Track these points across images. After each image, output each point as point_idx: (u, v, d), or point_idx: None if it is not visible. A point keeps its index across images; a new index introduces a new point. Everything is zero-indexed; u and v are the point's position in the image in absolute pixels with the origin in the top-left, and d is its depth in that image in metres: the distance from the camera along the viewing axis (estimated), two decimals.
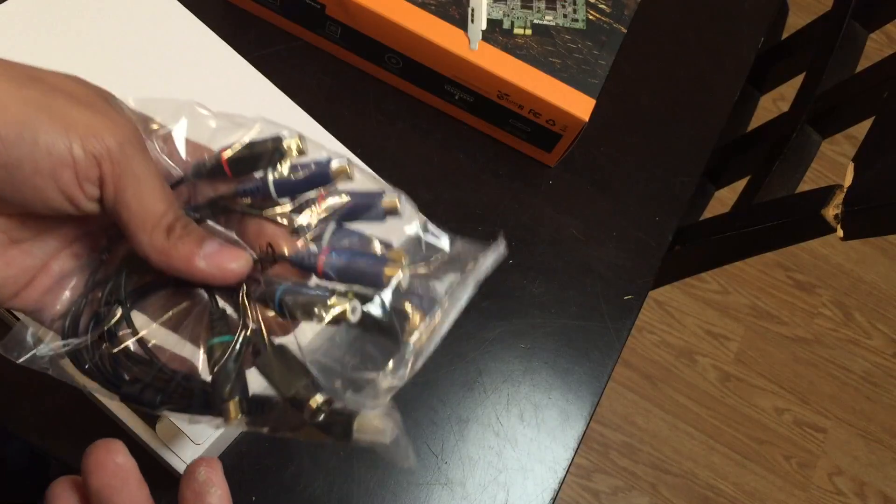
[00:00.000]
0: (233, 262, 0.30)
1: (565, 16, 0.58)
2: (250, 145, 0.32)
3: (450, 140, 0.61)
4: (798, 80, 0.76)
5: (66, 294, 0.32)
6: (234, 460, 0.49)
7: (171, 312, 0.33)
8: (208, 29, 0.53)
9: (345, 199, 0.32)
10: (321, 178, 0.32)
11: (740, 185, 0.76)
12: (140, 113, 0.32)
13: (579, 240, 0.60)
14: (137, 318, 0.32)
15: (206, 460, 0.30)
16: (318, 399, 0.29)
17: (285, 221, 0.32)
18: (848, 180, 0.58)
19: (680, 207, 0.63)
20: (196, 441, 0.44)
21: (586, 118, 0.55)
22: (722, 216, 0.71)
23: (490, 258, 0.31)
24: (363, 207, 0.32)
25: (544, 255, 0.59)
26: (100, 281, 0.32)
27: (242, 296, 0.31)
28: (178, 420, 0.44)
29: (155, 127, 0.32)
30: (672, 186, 0.64)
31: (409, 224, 0.32)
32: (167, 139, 0.32)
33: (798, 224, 0.60)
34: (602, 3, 0.59)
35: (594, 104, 0.56)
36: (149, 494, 0.30)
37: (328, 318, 0.29)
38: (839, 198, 0.57)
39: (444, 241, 0.32)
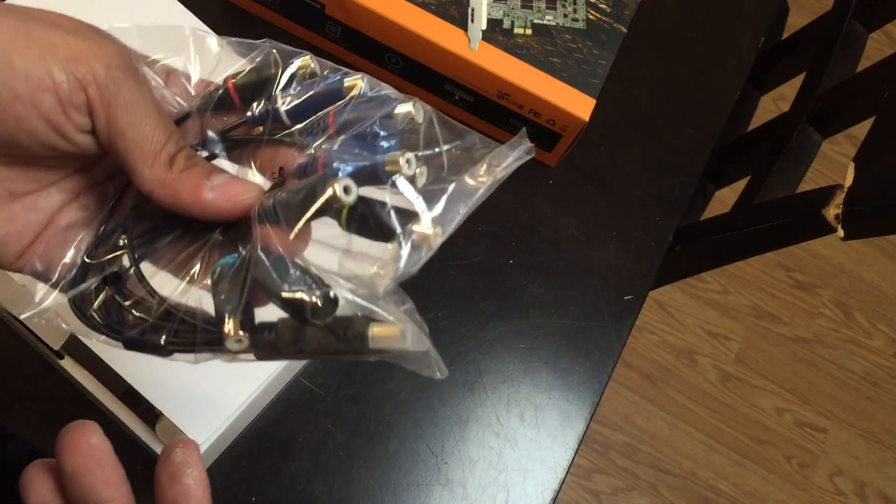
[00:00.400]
0: (243, 192, 0.28)
1: (565, 15, 0.58)
2: (258, 69, 0.30)
3: None
4: (798, 80, 0.76)
5: (72, 250, 0.30)
6: (234, 460, 0.49)
7: (178, 258, 0.30)
8: (208, 29, 0.53)
9: (355, 113, 0.29)
10: (334, 94, 0.29)
11: (741, 185, 0.75)
12: (137, 51, 0.30)
13: (579, 240, 0.60)
14: (146, 268, 0.30)
15: (183, 441, 0.29)
16: (316, 293, 0.26)
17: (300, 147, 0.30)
18: (848, 180, 0.57)
19: (680, 207, 0.63)
20: (196, 440, 0.44)
21: (586, 118, 0.55)
22: (722, 216, 0.71)
23: (512, 154, 0.28)
24: (376, 117, 0.29)
25: (544, 255, 0.59)
26: (108, 232, 0.30)
27: (253, 216, 0.28)
28: (177, 420, 0.44)
29: (158, 58, 0.30)
30: (672, 186, 0.64)
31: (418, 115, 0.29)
32: (170, 73, 0.30)
33: (799, 224, 0.60)
34: (602, 3, 0.59)
35: (594, 104, 0.56)
36: (123, 475, 0.29)
37: (320, 201, 0.26)
38: (840, 198, 0.57)
39: (460, 136, 0.29)
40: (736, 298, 1.45)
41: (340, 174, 0.27)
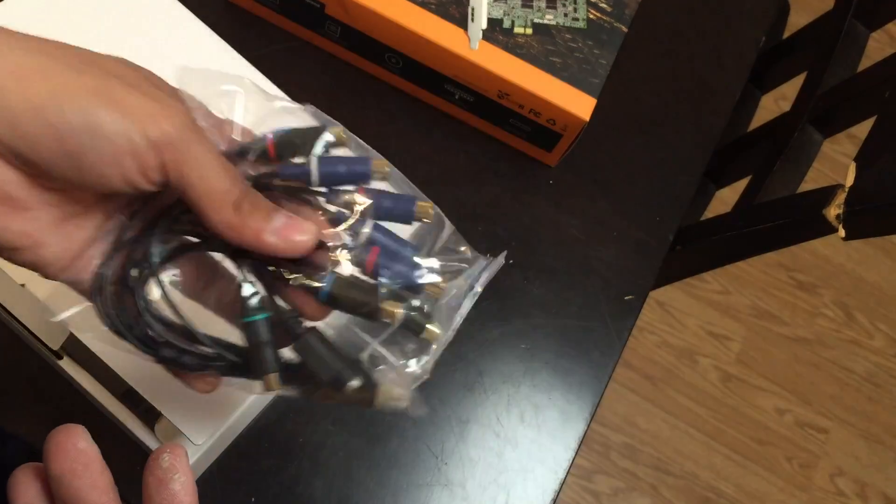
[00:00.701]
0: (301, 234, 0.31)
1: (566, 15, 0.58)
2: (296, 131, 0.33)
3: (450, 140, 0.61)
4: (799, 80, 0.76)
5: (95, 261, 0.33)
6: (233, 461, 0.49)
7: (196, 278, 0.34)
8: (208, 29, 0.53)
9: (379, 199, 0.33)
10: (360, 173, 0.33)
11: (741, 184, 0.75)
12: (185, 93, 0.33)
13: (580, 240, 0.60)
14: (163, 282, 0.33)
15: (171, 446, 0.30)
16: (354, 384, 0.32)
17: (321, 209, 0.33)
18: (849, 180, 0.57)
19: (681, 207, 0.63)
20: (196, 441, 0.44)
21: (587, 118, 0.55)
22: (723, 216, 0.71)
23: (488, 272, 0.34)
24: (396, 209, 0.34)
25: (544, 255, 0.59)
26: (129, 241, 0.33)
27: (279, 277, 0.32)
28: (177, 420, 0.44)
29: (215, 113, 0.33)
30: (673, 186, 0.64)
31: (440, 230, 0.35)
32: (213, 117, 0.33)
33: (799, 224, 0.60)
34: (603, 2, 0.59)
35: (595, 104, 0.56)
36: (111, 480, 0.29)
37: (376, 317, 0.32)
38: (841, 198, 0.57)
39: (467, 252, 0.35)
40: (737, 299, 1.45)
41: (399, 302, 0.32)
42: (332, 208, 0.33)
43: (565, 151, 0.60)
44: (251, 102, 0.34)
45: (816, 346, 1.44)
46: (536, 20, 0.57)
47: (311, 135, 0.33)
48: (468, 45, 0.56)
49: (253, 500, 0.49)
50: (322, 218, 0.33)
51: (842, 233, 0.57)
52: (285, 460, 0.50)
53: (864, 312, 1.47)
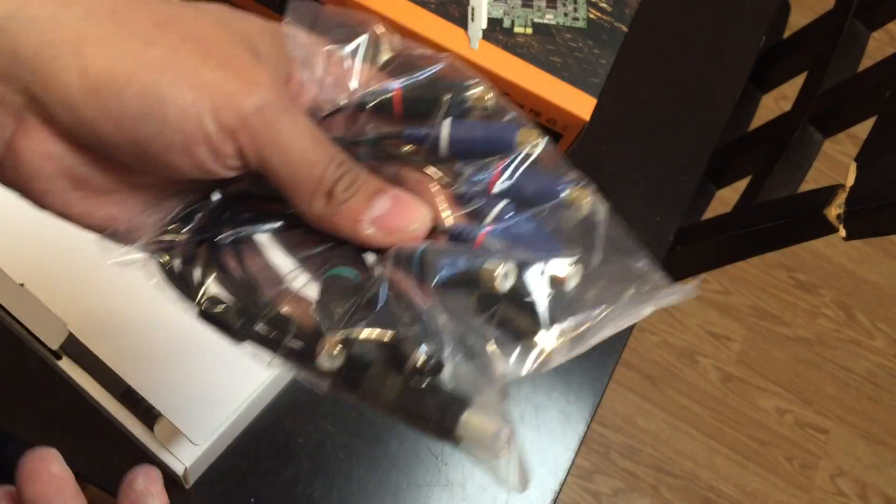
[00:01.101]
0: (410, 222, 0.26)
1: (566, 14, 0.58)
2: (431, 85, 0.27)
3: None
4: (800, 80, 0.76)
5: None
6: (234, 461, 0.49)
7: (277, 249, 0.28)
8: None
9: (523, 177, 0.26)
10: (502, 143, 0.26)
11: (742, 184, 0.75)
12: (297, 35, 0.28)
13: None
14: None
15: (145, 469, 0.29)
16: (422, 351, 0.23)
17: (448, 184, 0.27)
18: (850, 180, 0.57)
19: (681, 207, 0.63)
20: (195, 441, 0.44)
21: (587, 117, 0.55)
22: (723, 216, 0.71)
23: (673, 297, 0.25)
24: (541, 192, 0.26)
25: None
26: (208, 204, 0.28)
27: (389, 254, 0.26)
28: (176, 420, 0.44)
29: (327, 47, 0.28)
30: (673, 186, 0.63)
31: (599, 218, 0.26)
32: (335, 60, 0.28)
33: (800, 224, 0.60)
34: (603, 2, 0.59)
35: (595, 103, 0.55)
36: (84, 502, 0.29)
37: (477, 278, 0.23)
38: (841, 197, 0.57)
39: (634, 256, 0.26)
40: (737, 299, 1.45)
41: (503, 259, 0.23)
42: (469, 188, 0.26)
43: (565, 151, 0.60)
44: (380, 46, 0.28)
45: (817, 346, 1.44)
46: (536, 20, 0.57)
47: (451, 91, 0.27)
48: (468, 44, 0.56)
49: (253, 500, 0.49)
50: (443, 195, 0.27)
51: (842, 233, 0.56)
52: (285, 460, 0.50)
53: (865, 312, 1.47)
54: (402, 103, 0.27)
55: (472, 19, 0.56)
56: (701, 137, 0.66)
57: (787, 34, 0.84)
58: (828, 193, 0.57)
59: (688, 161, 0.65)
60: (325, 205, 0.25)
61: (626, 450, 1.32)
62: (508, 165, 0.26)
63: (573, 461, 0.54)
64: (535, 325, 0.24)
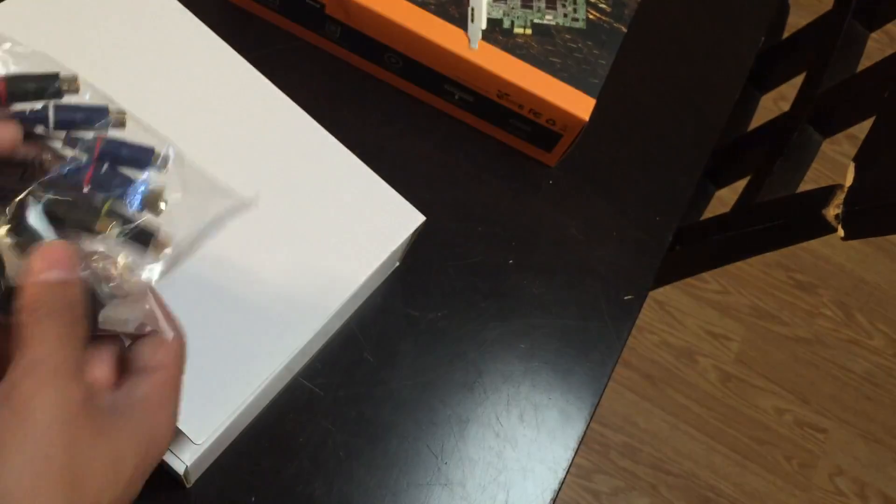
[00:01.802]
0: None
1: (565, 15, 0.58)
2: (34, 76, 0.33)
3: (450, 140, 0.61)
4: (799, 80, 0.76)
5: None
6: (233, 460, 0.49)
7: None
8: (208, 29, 0.53)
9: (115, 144, 0.33)
10: (98, 116, 0.34)
11: (741, 184, 0.75)
12: None
13: (579, 240, 0.60)
14: None
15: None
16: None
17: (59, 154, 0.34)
18: (849, 180, 0.57)
19: (680, 207, 0.63)
20: (196, 440, 0.44)
21: (586, 118, 0.55)
22: (722, 216, 0.71)
23: (230, 202, 0.33)
24: (133, 158, 0.34)
25: (544, 255, 0.59)
26: None
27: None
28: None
29: None
30: (672, 186, 0.64)
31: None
32: None
33: (799, 224, 0.60)
34: (602, 3, 0.59)
35: (594, 104, 0.56)
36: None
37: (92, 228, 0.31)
38: (840, 197, 0.57)
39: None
40: (736, 298, 1.45)
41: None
42: (70, 152, 0.33)
43: (565, 151, 0.60)
44: None
45: (816, 346, 1.44)
46: (536, 20, 0.58)
47: (52, 83, 0.33)
48: (468, 45, 0.56)
49: (253, 499, 0.49)
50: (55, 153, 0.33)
51: (841, 233, 0.57)
52: (285, 460, 0.50)
53: (864, 312, 1.48)
54: (6, 91, 0.33)
55: (472, 20, 0.56)
56: (700, 138, 0.66)
57: (786, 34, 0.84)
58: (826, 193, 0.58)
59: (687, 161, 0.65)
60: None
61: (626, 449, 1.32)
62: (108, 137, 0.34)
63: (573, 460, 0.54)
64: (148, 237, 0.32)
